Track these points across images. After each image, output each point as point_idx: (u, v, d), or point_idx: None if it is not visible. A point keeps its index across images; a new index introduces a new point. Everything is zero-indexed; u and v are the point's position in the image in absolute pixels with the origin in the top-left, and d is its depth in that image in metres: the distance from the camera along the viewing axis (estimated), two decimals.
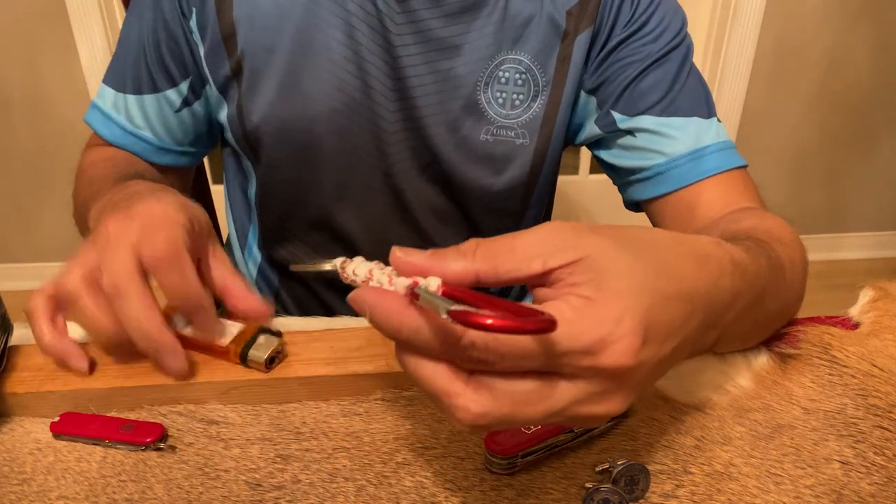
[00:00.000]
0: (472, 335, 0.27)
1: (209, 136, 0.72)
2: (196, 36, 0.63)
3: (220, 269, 0.45)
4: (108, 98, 0.68)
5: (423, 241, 0.73)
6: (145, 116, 0.67)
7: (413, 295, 0.28)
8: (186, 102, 0.67)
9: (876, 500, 0.38)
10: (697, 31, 1.87)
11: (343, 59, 0.62)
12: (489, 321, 0.25)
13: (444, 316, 0.26)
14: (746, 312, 0.39)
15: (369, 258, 0.35)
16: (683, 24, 0.65)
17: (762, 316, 0.43)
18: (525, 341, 0.27)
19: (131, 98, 0.66)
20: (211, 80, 0.65)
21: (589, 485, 0.38)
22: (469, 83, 0.63)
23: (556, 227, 0.31)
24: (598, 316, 0.28)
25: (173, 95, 0.66)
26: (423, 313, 0.28)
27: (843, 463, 0.40)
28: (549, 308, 0.28)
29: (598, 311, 0.28)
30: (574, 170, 2.10)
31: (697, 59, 1.86)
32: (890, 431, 0.42)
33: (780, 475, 0.40)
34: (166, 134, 0.68)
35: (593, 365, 0.28)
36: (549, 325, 0.26)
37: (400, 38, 0.61)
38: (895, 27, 1.83)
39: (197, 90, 0.67)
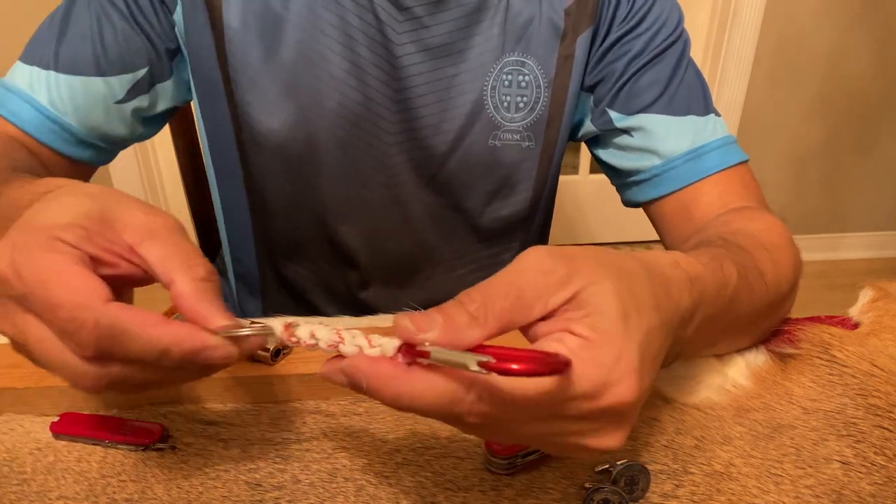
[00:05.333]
0: (477, 392, 0.27)
1: (130, 135, 0.66)
2: (180, 30, 0.60)
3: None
4: (22, 77, 0.58)
5: (426, 253, 0.72)
6: (74, 102, 0.59)
7: (410, 354, 0.28)
8: (134, 93, 0.61)
9: (876, 500, 0.38)
10: (697, 31, 1.87)
11: (343, 73, 0.60)
12: (515, 366, 0.25)
13: (475, 369, 0.26)
14: (710, 322, 0.39)
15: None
16: (680, 19, 0.64)
17: (735, 321, 0.43)
18: (529, 392, 0.27)
19: (63, 78, 0.58)
20: (193, 81, 0.63)
21: (589, 485, 0.38)
22: (475, 88, 0.63)
23: (545, 256, 0.30)
24: (597, 358, 0.28)
25: (119, 84, 0.60)
26: (422, 378, 0.28)
27: (843, 463, 0.40)
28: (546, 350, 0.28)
29: (596, 352, 0.28)
30: (574, 170, 2.09)
31: (697, 59, 1.85)
32: (890, 431, 0.42)
33: (780, 475, 0.40)
34: (91, 124, 0.61)
35: (597, 407, 0.29)
36: (565, 366, 0.27)
37: (402, 48, 0.60)
38: (895, 27, 1.83)
39: (152, 82, 0.62)
